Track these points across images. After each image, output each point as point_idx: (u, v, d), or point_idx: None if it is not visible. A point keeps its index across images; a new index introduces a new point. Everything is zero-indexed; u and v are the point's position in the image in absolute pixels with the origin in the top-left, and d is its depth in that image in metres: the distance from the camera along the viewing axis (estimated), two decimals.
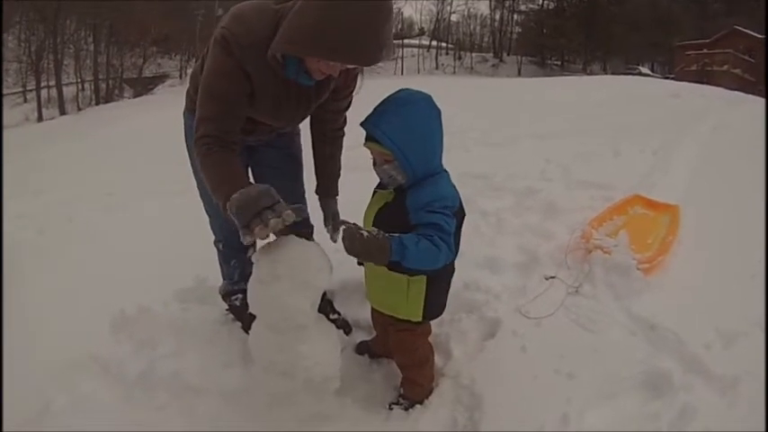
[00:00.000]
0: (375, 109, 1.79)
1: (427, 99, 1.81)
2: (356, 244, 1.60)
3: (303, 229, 2.51)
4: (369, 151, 1.85)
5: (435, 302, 2.00)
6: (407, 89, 1.83)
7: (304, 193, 2.55)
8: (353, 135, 2.20)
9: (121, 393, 2.24)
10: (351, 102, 2.27)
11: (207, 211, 2.40)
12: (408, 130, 1.74)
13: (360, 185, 2.11)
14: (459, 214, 1.87)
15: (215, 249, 2.59)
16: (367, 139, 1.80)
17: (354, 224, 1.66)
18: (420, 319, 1.98)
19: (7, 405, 2.09)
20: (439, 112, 1.82)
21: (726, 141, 6.62)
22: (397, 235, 1.64)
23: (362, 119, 1.80)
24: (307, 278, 1.67)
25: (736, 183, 4.37)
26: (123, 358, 2.39)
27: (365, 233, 1.61)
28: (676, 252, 3.16)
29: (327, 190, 2.49)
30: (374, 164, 1.87)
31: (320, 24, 1.52)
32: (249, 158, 2.39)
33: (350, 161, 2.54)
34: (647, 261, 2.92)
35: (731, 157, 5.44)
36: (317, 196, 2.51)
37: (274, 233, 1.56)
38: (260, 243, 1.64)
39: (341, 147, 2.43)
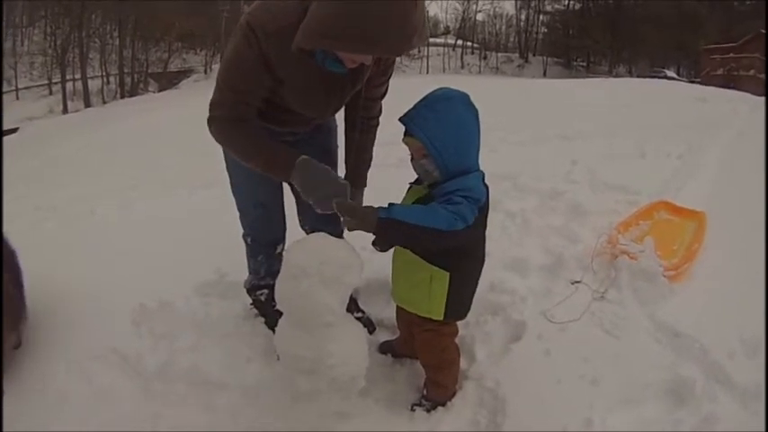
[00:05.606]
0: (414, 105, 1.82)
1: (463, 97, 1.83)
2: (344, 206, 1.71)
3: (333, 226, 2.51)
4: (406, 148, 1.87)
5: (458, 302, 1.97)
6: (446, 87, 1.85)
7: None
8: (391, 131, 2.20)
9: (140, 386, 2.25)
10: (387, 89, 2.22)
11: (238, 208, 2.39)
12: (442, 126, 1.76)
13: (397, 181, 2.10)
14: (484, 211, 1.85)
15: (239, 243, 2.57)
16: (405, 134, 1.83)
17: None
18: (441, 317, 1.95)
19: (26, 398, 2.12)
20: (476, 111, 1.83)
21: (752, 147, 6.50)
22: None
23: (394, 118, 1.81)
24: (336, 275, 1.67)
25: (763, 189, 4.28)
26: (143, 351, 2.40)
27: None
28: (702, 259, 3.11)
29: (356, 180, 2.35)
30: (411, 158, 1.90)
31: (344, 16, 1.48)
32: None
33: (388, 157, 2.50)
34: (673, 268, 2.88)
35: (758, 163, 5.34)
36: None
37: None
38: (290, 240, 1.65)
39: (374, 136, 2.35)
